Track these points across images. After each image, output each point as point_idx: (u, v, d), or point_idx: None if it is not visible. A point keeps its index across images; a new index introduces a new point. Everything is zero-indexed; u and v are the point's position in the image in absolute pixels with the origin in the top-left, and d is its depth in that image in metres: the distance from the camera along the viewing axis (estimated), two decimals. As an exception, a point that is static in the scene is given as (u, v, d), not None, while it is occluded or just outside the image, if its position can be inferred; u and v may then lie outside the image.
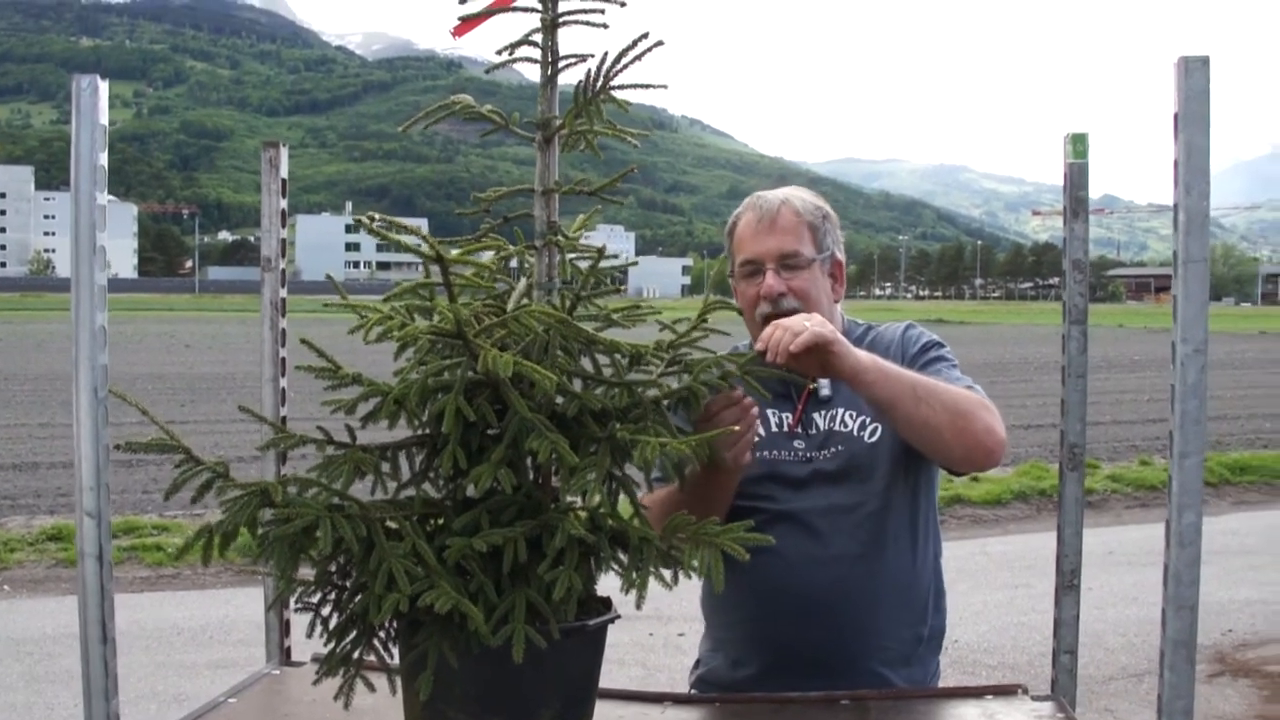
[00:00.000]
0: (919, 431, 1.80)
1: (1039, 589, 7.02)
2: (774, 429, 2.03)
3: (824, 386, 2.06)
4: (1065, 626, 1.90)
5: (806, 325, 1.70)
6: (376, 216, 1.33)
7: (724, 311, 1.76)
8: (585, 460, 1.42)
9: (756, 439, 1.97)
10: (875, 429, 1.99)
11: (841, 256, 2.10)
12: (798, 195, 2.05)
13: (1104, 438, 13.20)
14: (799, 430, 2.04)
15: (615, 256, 1.54)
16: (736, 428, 1.61)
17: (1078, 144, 1.82)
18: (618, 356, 1.52)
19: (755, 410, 1.72)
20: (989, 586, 7.23)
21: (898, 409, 1.78)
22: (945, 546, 2.09)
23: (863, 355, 1.79)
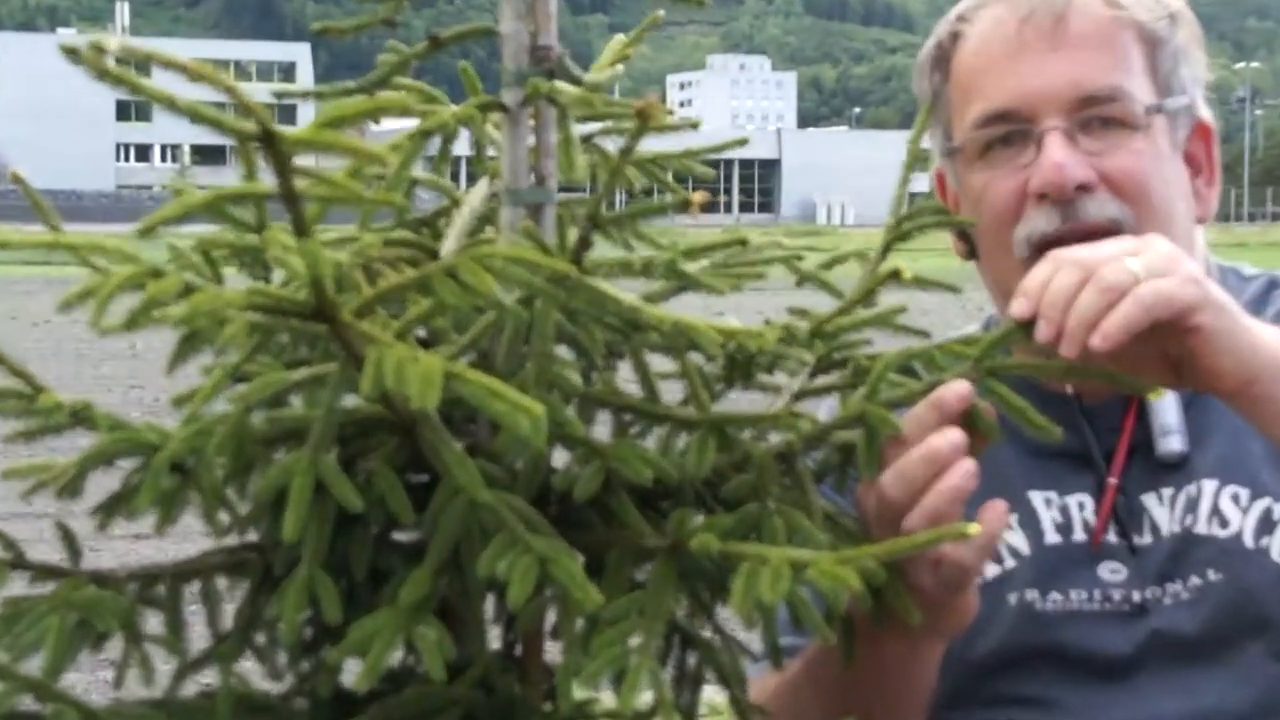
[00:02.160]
0: None
1: None
2: (1049, 535, 1.30)
3: (1170, 428, 1.28)
4: None
5: (1137, 270, 0.99)
6: (114, 41, 0.72)
7: (938, 239, 1.05)
8: (620, 606, 0.83)
9: (1005, 557, 1.28)
10: None
11: (1208, 115, 1.34)
12: None
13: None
14: (1111, 540, 1.29)
15: (698, 127, 0.89)
16: (974, 527, 0.86)
17: None
18: (695, 359, 0.89)
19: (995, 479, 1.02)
20: None
21: None
22: None
23: (1272, 338, 1.06)
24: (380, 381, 0.79)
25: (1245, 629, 1.25)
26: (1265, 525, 1.26)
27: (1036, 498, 1.31)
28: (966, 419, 0.93)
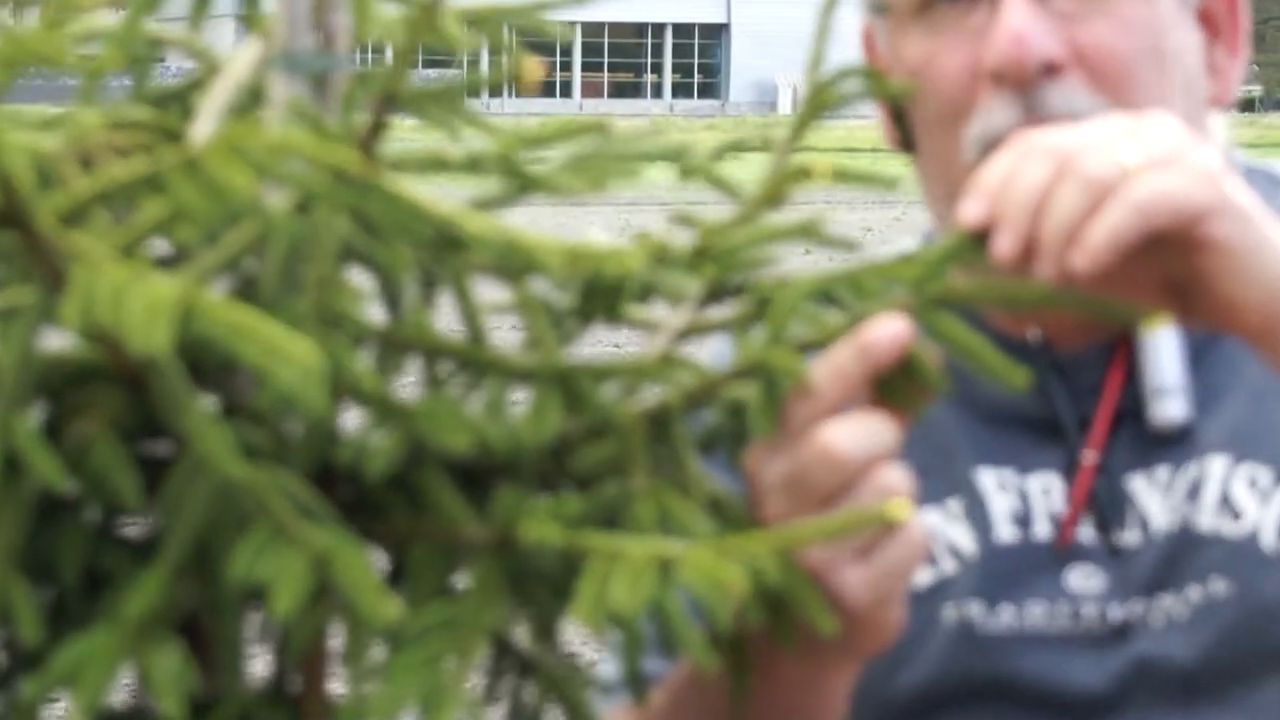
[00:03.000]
0: None
1: None
2: (1001, 529, 1.11)
3: (1168, 387, 1.07)
4: None
5: (1131, 161, 0.82)
6: None
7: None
8: (426, 619, 0.70)
9: (941, 558, 1.10)
10: None
11: None
12: None
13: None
14: (1085, 537, 1.10)
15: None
16: (901, 508, 0.73)
17: None
18: (542, 290, 0.74)
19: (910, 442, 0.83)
20: None
21: None
22: None
23: None
24: (89, 313, 0.64)
25: (1262, 658, 1.06)
26: None
27: (988, 478, 1.11)
28: (902, 367, 0.78)
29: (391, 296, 0.76)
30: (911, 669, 1.09)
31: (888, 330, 0.76)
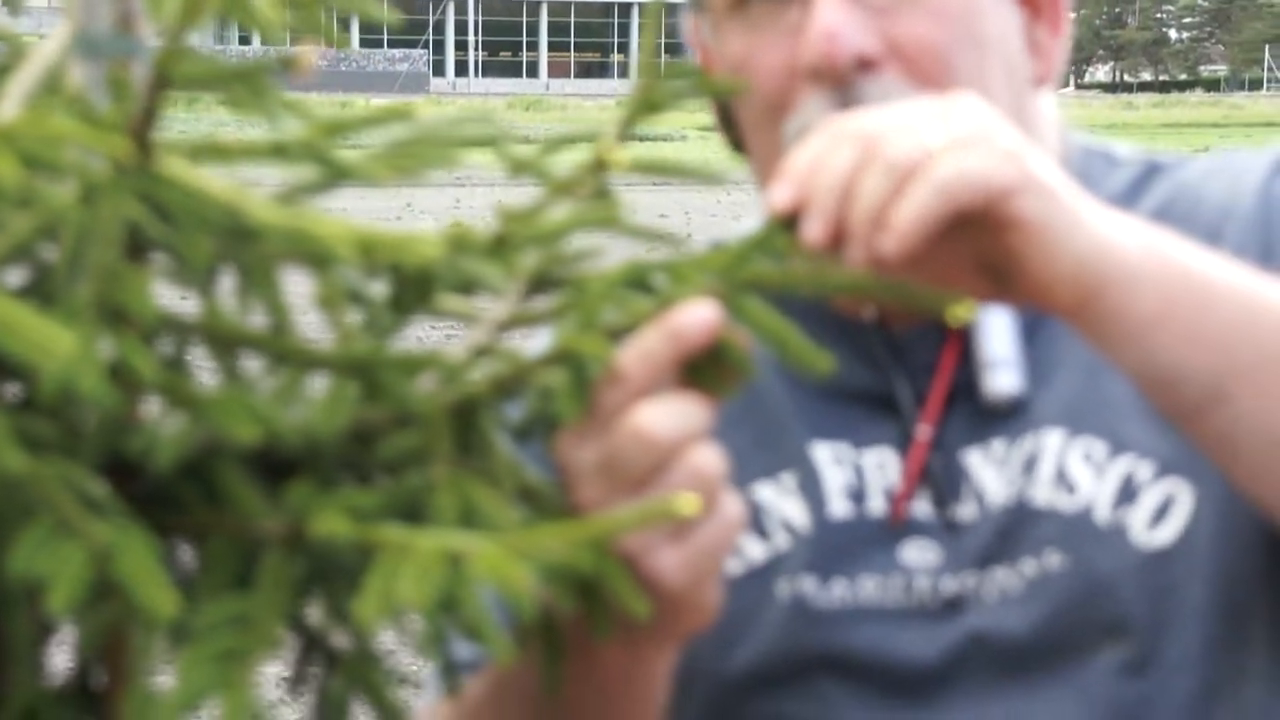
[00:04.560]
0: None
1: None
2: (835, 504, 1.09)
3: (1001, 360, 1.07)
4: None
5: (933, 142, 0.81)
6: None
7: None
8: (215, 614, 0.68)
9: (774, 533, 1.09)
10: (1169, 501, 1.05)
11: None
12: None
13: None
14: (920, 512, 1.09)
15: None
16: (689, 501, 0.71)
17: None
18: (344, 286, 0.72)
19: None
20: None
21: (1236, 383, 0.88)
22: None
23: (1129, 234, 0.88)
24: None
25: (1094, 632, 1.05)
26: (1126, 493, 1.05)
27: (823, 453, 1.10)
28: (710, 352, 0.77)
29: (201, 287, 0.75)
30: (745, 645, 1.08)
31: (696, 315, 0.75)
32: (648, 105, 0.85)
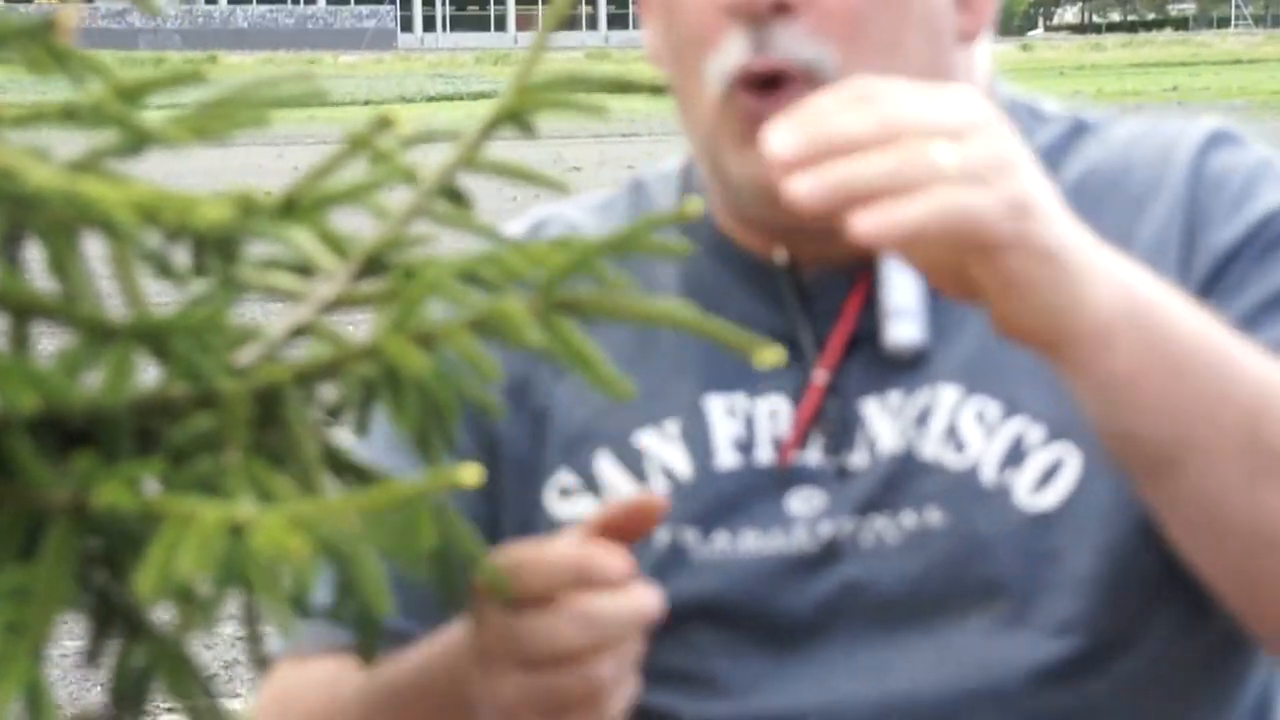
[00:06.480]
0: (1239, 553, 0.94)
1: None
2: (722, 455, 1.10)
3: (904, 310, 1.07)
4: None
5: (950, 164, 0.84)
6: None
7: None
8: None
9: (653, 477, 1.11)
10: (1056, 466, 1.06)
11: None
12: None
13: None
14: (812, 460, 1.09)
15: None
16: (471, 468, 0.67)
17: None
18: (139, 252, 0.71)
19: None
20: None
21: (1189, 456, 0.92)
22: None
23: (1114, 290, 0.90)
24: None
25: (968, 592, 1.05)
26: (1014, 455, 1.05)
27: (716, 405, 1.10)
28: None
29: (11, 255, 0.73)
30: None
31: (610, 568, 0.88)
32: (518, 108, 0.83)
